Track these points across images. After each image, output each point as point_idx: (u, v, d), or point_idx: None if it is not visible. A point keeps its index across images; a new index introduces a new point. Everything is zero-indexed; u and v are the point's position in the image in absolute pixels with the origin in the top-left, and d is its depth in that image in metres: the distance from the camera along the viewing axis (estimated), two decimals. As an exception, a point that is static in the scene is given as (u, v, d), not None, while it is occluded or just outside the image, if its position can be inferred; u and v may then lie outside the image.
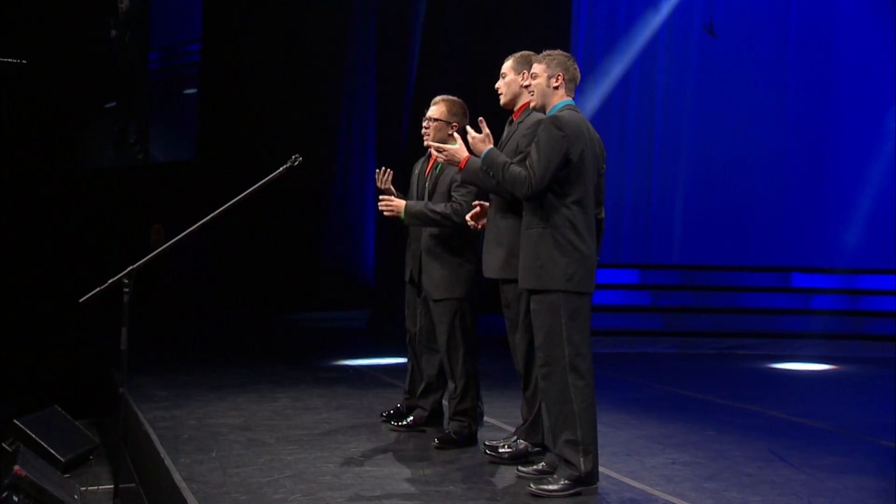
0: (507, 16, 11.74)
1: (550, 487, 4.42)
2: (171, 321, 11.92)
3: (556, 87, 4.63)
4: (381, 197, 5.35)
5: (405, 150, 10.98)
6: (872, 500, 4.59)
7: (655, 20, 13.02)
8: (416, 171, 5.70)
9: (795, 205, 12.87)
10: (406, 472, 4.85)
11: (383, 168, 5.67)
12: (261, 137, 14.18)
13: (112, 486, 5.96)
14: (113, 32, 16.66)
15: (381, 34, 14.26)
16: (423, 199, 5.47)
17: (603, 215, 4.78)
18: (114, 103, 16.97)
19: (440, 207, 5.19)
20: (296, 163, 5.18)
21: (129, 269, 4.94)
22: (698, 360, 9.96)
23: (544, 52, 4.73)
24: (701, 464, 5.21)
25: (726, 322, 11.07)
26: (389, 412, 6.05)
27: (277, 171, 5.23)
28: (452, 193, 5.25)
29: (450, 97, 5.49)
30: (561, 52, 4.73)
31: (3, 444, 6.08)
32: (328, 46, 14.67)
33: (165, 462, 5.03)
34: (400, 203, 5.27)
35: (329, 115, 14.77)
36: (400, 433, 5.73)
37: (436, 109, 5.40)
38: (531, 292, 4.58)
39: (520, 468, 4.80)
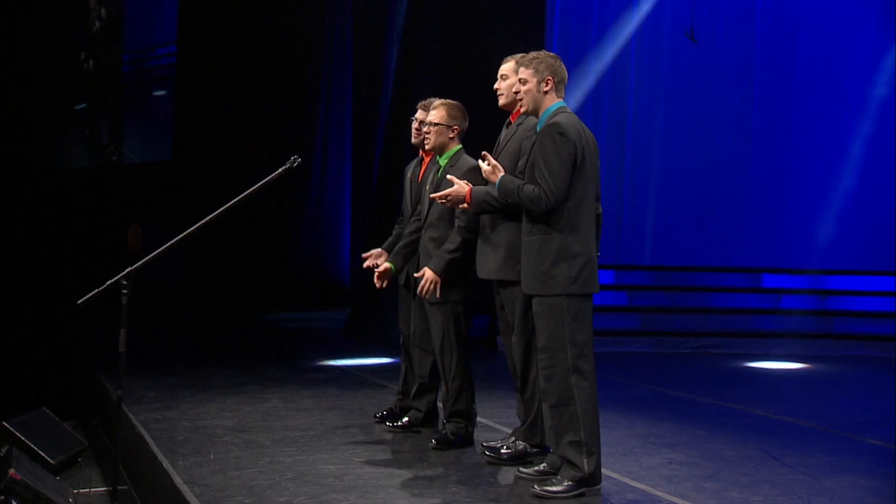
0: (481, 21, 11.57)
1: (554, 489, 4.34)
2: (148, 322, 11.71)
3: (547, 92, 4.55)
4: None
5: (382, 150, 10.83)
6: (870, 499, 4.55)
7: (627, 27, 12.97)
8: (409, 175, 5.58)
9: (764, 207, 12.89)
10: (407, 473, 4.75)
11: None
12: (236, 138, 14.03)
13: (104, 489, 5.87)
14: (85, 34, 16.42)
15: (358, 36, 14.16)
16: (418, 204, 5.38)
17: (600, 210, 4.69)
18: (84, 105, 16.71)
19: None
20: (294, 164, 5.06)
21: (127, 270, 4.82)
22: (676, 359, 9.92)
23: (532, 55, 4.64)
24: (697, 464, 5.16)
25: (700, 322, 11.06)
26: (383, 413, 5.94)
27: (276, 172, 5.09)
28: None
29: (448, 101, 5.38)
30: (547, 53, 4.63)
31: (-7, 448, 5.92)
32: (304, 48, 14.52)
33: (164, 465, 4.89)
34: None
35: (306, 116, 14.62)
36: (395, 434, 5.63)
37: (435, 114, 5.29)
38: (534, 295, 4.50)
39: (521, 469, 4.71)
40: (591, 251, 4.42)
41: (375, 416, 5.95)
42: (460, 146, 5.33)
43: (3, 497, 4.85)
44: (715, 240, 12.81)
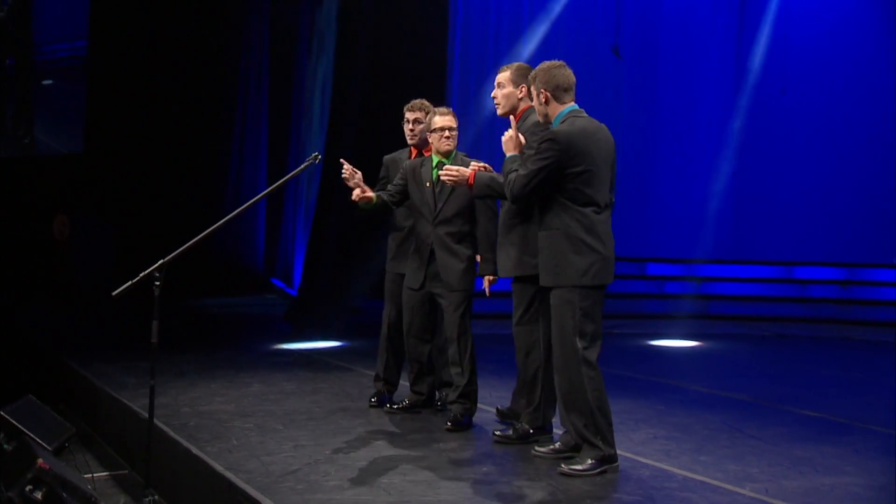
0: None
1: (579, 467, 4.30)
2: (93, 309, 11.06)
3: (547, 102, 4.46)
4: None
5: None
6: (844, 465, 4.66)
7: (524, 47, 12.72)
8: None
9: (643, 204, 13.10)
10: (434, 454, 4.61)
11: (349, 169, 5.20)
12: (150, 131, 13.35)
13: (106, 473, 5.49)
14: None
15: (275, 26, 13.79)
16: (435, 201, 5.20)
17: (613, 199, 4.58)
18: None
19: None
20: (316, 160, 4.84)
21: (159, 262, 4.50)
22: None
23: (536, 69, 4.54)
24: (678, 438, 5.19)
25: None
26: (374, 398, 5.76)
27: (299, 168, 4.87)
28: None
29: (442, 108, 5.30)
30: (549, 64, 4.49)
31: (-10, 436, 5.44)
32: (220, 40, 13.92)
33: (194, 452, 4.59)
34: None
35: (223, 108, 14.07)
36: (398, 415, 5.48)
37: (452, 119, 5.19)
38: (549, 289, 4.44)
39: (536, 448, 4.65)
40: (604, 248, 4.33)
41: (371, 401, 5.75)
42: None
43: (31, 486, 4.45)
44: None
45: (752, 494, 4.03)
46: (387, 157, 5.82)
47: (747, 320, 11.33)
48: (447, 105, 5.89)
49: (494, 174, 4.74)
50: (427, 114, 5.41)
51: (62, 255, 12.06)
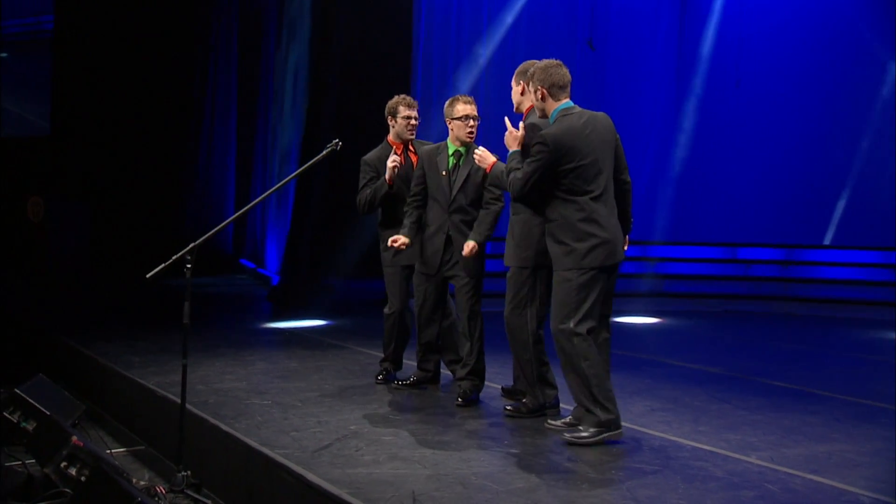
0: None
1: (581, 435, 4.39)
2: (74, 291, 10.82)
3: (543, 98, 4.54)
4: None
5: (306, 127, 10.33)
6: (832, 433, 4.82)
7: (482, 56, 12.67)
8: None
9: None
10: (453, 428, 4.66)
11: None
12: (118, 112, 13.05)
13: (123, 450, 5.41)
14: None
15: (243, 18, 13.57)
16: (451, 189, 5.21)
17: (628, 178, 4.67)
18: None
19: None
20: (338, 146, 4.82)
21: (191, 245, 4.46)
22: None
23: (534, 68, 4.60)
24: (673, 409, 5.31)
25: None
26: (381, 375, 5.77)
27: (321, 153, 4.84)
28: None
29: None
30: (545, 63, 4.58)
31: (5, 414, 5.31)
32: (189, 18, 13.60)
33: (224, 429, 4.56)
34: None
35: (193, 90, 13.80)
36: (405, 392, 5.51)
37: (475, 107, 5.22)
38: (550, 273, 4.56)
39: (549, 422, 4.74)
40: (604, 232, 4.41)
41: (377, 378, 5.76)
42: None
43: (66, 463, 4.38)
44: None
45: (759, 462, 4.16)
46: (369, 157, 5.71)
47: (699, 297, 11.61)
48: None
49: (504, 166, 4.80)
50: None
51: (38, 236, 11.75)
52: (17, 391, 5.37)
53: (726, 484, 3.81)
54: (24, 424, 5.29)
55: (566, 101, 4.55)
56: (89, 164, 12.98)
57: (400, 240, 5.17)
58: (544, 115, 4.59)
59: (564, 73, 4.55)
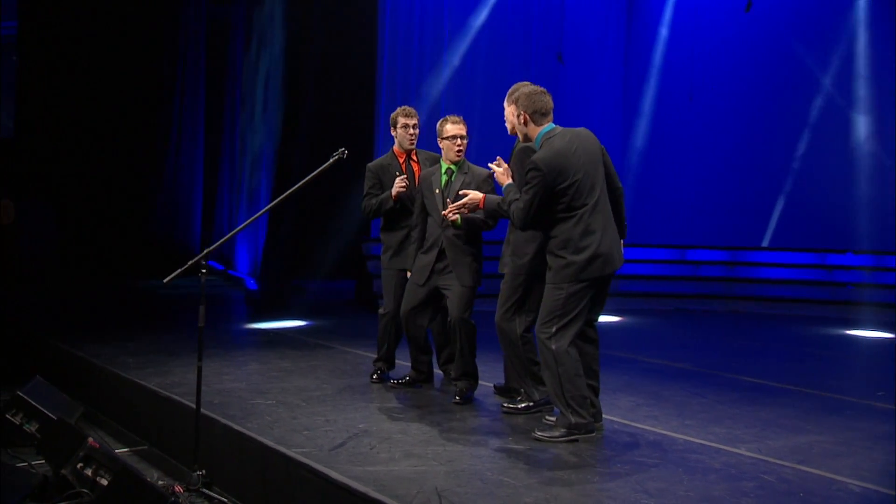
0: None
1: (548, 433, 4.47)
2: (34, 291, 10.58)
3: (525, 123, 4.62)
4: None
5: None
6: (807, 426, 4.99)
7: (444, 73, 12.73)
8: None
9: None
10: (457, 426, 4.72)
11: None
12: (85, 115, 12.78)
13: (126, 449, 5.35)
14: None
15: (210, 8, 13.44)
16: (444, 207, 5.24)
17: (619, 184, 4.75)
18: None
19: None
20: (344, 155, 4.83)
21: (206, 250, 4.44)
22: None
23: (518, 93, 4.66)
24: (657, 405, 5.43)
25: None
26: (375, 375, 5.81)
27: (328, 162, 4.83)
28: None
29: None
30: (529, 88, 4.66)
31: (8, 416, 5.23)
32: (156, 22, 13.35)
33: (236, 428, 4.55)
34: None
35: (162, 93, 13.57)
36: (401, 390, 5.56)
37: (463, 127, 5.27)
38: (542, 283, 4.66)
39: (547, 418, 4.82)
40: (596, 246, 4.47)
41: (372, 378, 5.80)
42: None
43: (81, 465, 4.33)
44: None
45: (750, 454, 4.31)
46: (373, 165, 5.78)
47: (652, 297, 11.85)
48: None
49: (499, 198, 4.83)
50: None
51: (8, 239, 11.47)
52: (20, 394, 5.31)
53: (725, 476, 3.94)
54: (27, 426, 5.24)
55: (549, 125, 4.63)
56: (55, 166, 12.69)
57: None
58: (527, 139, 4.66)
59: (547, 101, 4.64)
